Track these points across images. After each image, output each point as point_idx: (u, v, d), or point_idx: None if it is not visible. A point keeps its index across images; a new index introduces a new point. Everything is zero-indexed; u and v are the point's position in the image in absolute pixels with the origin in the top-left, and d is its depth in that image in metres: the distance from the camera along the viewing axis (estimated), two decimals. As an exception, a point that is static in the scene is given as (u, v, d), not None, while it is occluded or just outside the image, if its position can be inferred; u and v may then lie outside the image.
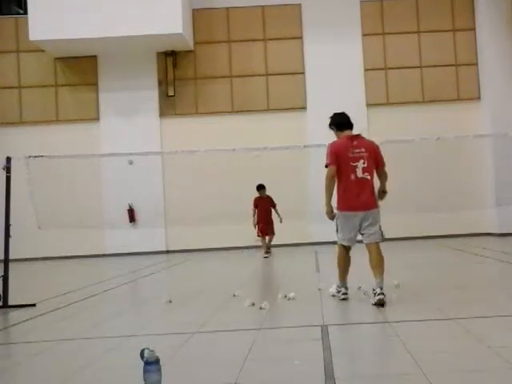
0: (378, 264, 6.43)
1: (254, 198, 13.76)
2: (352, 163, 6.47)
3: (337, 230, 6.68)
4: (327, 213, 6.56)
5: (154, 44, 17.24)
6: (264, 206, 13.62)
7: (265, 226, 13.72)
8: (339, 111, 6.91)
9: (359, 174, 6.47)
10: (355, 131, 6.81)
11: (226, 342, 5.05)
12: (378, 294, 6.23)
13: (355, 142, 6.56)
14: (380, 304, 6.19)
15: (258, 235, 13.90)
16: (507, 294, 6.80)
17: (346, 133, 6.68)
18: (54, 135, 17.49)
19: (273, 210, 13.80)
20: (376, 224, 6.57)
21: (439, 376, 3.64)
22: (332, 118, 6.83)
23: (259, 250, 14.46)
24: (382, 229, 6.62)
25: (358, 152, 6.50)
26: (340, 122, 6.76)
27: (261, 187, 13.74)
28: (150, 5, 16.09)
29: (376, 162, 6.62)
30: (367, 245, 6.59)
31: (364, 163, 6.48)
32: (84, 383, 4.08)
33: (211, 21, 17.98)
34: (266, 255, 13.57)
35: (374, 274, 6.43)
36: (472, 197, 16.82)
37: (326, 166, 6.54)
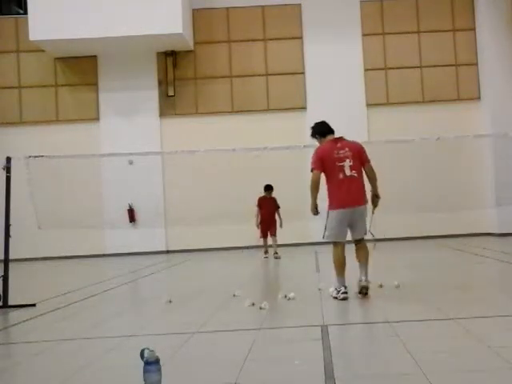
0: (364, 256, 6.90)
1: (257, 198, 13.56)
2: (338, 163, 6.81)
3: (325, 229, 6.94)
4: (312, 209, 6.94)
5: (154, 44, 17.24)
6: (267, 207, 13.39)
7: (266, 228, 13.53)
8: (319, 121, 7.23)
9: (347, 172, 6.80)
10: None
11: (226, 342, 5.04)
12: (363, 282, 6.74)
13: (339, 144, 6.89)
14: (363, 292, 6.72)
15: (261, 236, 13.71)
16: (507, 294, 6.80)
17: (329, 137, 7.00)
18: (54, 135, 17.49)
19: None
20: (364, 220, 6.94)
21: (439, 376, 3.64)
22: (314, 128, 7.17)
23: (260, 250, 14.45)
24: (370, 227, 7.04)
25: (343, 152, 6.83)
26: (322, 130, 7.09)
27: (268, 188, 13.47)
28: (150, 5, 16.09)
29: (361, 160, 6.92)
30: (355, 240, 6.97)
31: (350, 162, 6.81)
32: (84, 383, 4.07)
33: (211, 21, 17.98)
34: (266, 255, 13.44)
35: (359, 265, 6.87)
36: (472, 197, 16.82)
37: (312, 171, 6.88)
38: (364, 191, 6.92)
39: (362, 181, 6.92)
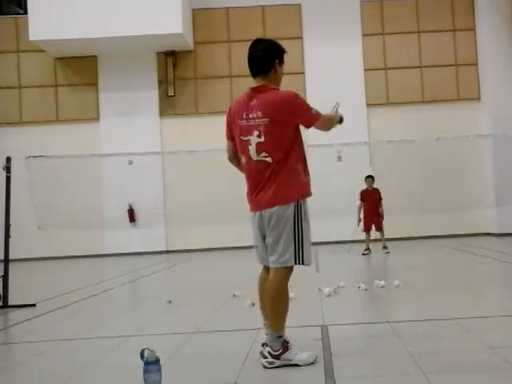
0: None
1: (360, 191, 13.03)
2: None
3: (301, 246, 4.32)
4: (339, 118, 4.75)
5: (154, 44, 17.24)
6: (371, 200, 12.81)
7: (369, 221, 12.91)
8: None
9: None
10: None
11: (226, 342, 5.04)
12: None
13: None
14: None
15: (363, 230, 13.03)
16: (507, 294, 6.80)
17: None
18: (54, 135, 17.49)
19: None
20: None
21: (439, 376, 3.64)
22: (278, 46, 4.68)
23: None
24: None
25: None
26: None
27: (369, 178, 12.89)
28: (150, 5, 16.10)
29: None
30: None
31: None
32: (84, 383, 4.07)
33: (211, 21, 17.98)
34: (365, 252, 12.73)
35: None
36: (472, 197, 16.81)
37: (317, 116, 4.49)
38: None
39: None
